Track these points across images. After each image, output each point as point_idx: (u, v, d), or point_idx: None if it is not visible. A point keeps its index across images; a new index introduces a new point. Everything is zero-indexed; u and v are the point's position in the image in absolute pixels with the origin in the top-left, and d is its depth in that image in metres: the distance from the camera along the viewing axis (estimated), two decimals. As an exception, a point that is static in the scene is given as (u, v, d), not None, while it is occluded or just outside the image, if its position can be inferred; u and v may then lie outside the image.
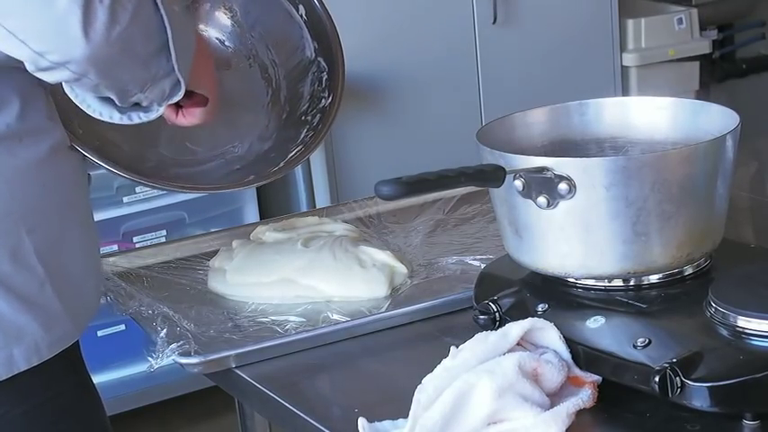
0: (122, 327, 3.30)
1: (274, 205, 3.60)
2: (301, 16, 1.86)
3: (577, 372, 1.38)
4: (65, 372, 1.58)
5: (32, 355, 1.50)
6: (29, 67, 1.41)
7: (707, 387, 1.26)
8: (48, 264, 1.51)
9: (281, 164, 1.78)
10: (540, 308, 1.44)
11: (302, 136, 1.83)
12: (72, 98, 1.50)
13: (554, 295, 1.46)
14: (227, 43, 1.72)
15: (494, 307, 1.48)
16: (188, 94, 1.53)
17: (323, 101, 1.84)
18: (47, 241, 1.51)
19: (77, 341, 1.60)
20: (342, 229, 1.90)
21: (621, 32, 3.92)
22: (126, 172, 1.67)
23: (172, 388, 3.35)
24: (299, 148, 1.81)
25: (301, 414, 1.45)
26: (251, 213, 3.48)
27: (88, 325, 1.61)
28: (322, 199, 3.48)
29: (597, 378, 1.36)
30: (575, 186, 1.39)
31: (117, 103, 1.49)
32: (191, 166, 1.82)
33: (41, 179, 1.51)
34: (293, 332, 1.64)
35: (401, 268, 1.78)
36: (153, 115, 1.53)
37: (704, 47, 4.06)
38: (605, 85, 3.87)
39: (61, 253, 1.54)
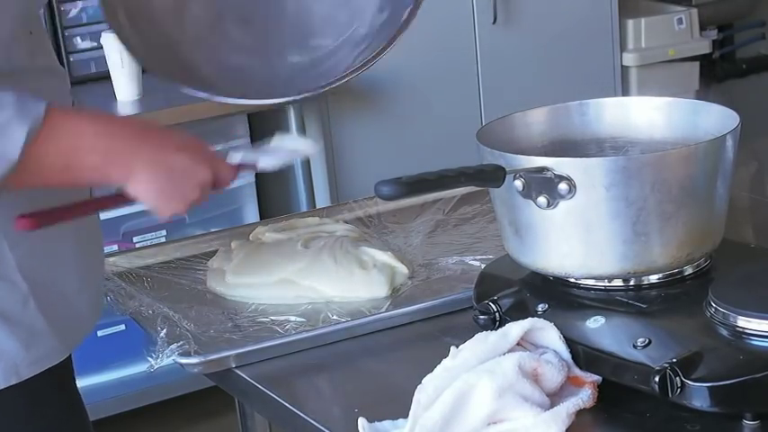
0: (122, 327, 3.30)
1: (274, 205, 3.60)
2: None
3: (577, 372, 1.38)
4: (50, 390, 1.53)
5: (11, 374, 1.46)
6: None
7: (707, 387, 1.26)
8: (33, 279, 1.47)
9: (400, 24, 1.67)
10: (540, 308, 1.44)
11: None
12: None
13: (554, 295, 1.46)
14: None
15: (494, 307, 1.48)
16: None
17: None
18: (32, 256, 1.47)
19: (68, 357, 1.56)
20: (342, 230, 1.90)
21: (621, 32, 3.92)
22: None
23: (172, 388, 3.35)
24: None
25: (301, 414, 1.45)
26: (251, 213, 3.48)
27: (80, 341, 1.57)
28: (322, 199, 3.48)
29: (597, 378, 1.36)
30: (575, 186, 1.39)
31: None
32: (324, 60, 1.73)
33: (25, 192, 1.41)
34: (293, 332, 1.64)
35: (402, 269, 1.78)
36: None
37: (704, 47, 4.07)
38: (605, 85, 3.87)
39: (49, 268, 1.50)
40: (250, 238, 1.92)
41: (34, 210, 1.40)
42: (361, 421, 1.34)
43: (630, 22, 3.94)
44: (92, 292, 1.59)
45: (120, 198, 1.43)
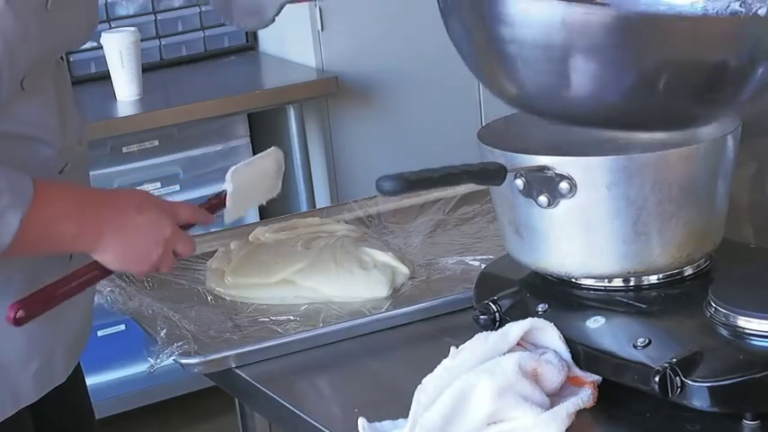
0: (122, 327, 3.30)
1: (274, 205, 3.59)
2: None
3: (577, 372, 1.38)
4: None
5: None
6: None
7: (707, 387, 1.26)
8: None
9: None
10: (540, 308, 1.44)
11: None
12: None
13: (554, 295, 1.46)
14: None
15: (494, 307, 1.48)
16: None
17: None
18: None
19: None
20: (343, 230, 1.90)
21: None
22: None
23: (172, 388, 3.35)
24: None
25: (301, 414, 1.45)
26: (251, 213, 3.48)
27: (10, 414, 1.49)
28: (322, 199, 3.48)
29: (597, 378, 1.36)
30: (575, 186, 1.39)
31: None
32: None
33: None
34: (293, 332, 1.64)
35: (403, 269, 1.78)
36: None
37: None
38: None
39: None
40: (250, 238, 1.92)
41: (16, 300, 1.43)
42: (361, 421, 1.34)
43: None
44: (44, 361, 1.53)
45: (100, 273, 1.49)
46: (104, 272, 1.49)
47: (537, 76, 1.36)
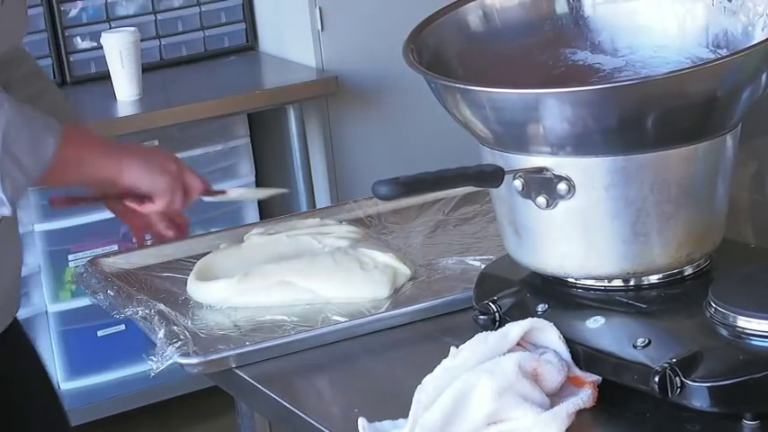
0: (122, 327, 3.30)
1: (274, 205, 3.60)
2: None
3: (577, 372, 1.38)
4: None
5: None
6: None
7: (707, 387, 1.26)
8: None
9: None
10: (540, 308, 1.44)
11: None
12: None
13: (554, 295, 1.46)
14: None
15: (494, 307, 1.48)
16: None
17: None
18: None
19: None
20: (344, 231, 1.90)
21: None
22: None
23: (172, 388, 3.35)
24: None
25: (301, 414, 1.45)
26: (251, 213, 3.49)
27: None
28: (322, 199, 3.48)
29: (597, 378, 1.36)
30: (574, 187, 1.39)
31: None
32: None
33: None
34: (293, 332, 1.64)
35: (404, 270, 1.77)
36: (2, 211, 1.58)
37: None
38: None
39: None
40: (244, 239, 1.91)
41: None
42: (361, 421, 1.34)
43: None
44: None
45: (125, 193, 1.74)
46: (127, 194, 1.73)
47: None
